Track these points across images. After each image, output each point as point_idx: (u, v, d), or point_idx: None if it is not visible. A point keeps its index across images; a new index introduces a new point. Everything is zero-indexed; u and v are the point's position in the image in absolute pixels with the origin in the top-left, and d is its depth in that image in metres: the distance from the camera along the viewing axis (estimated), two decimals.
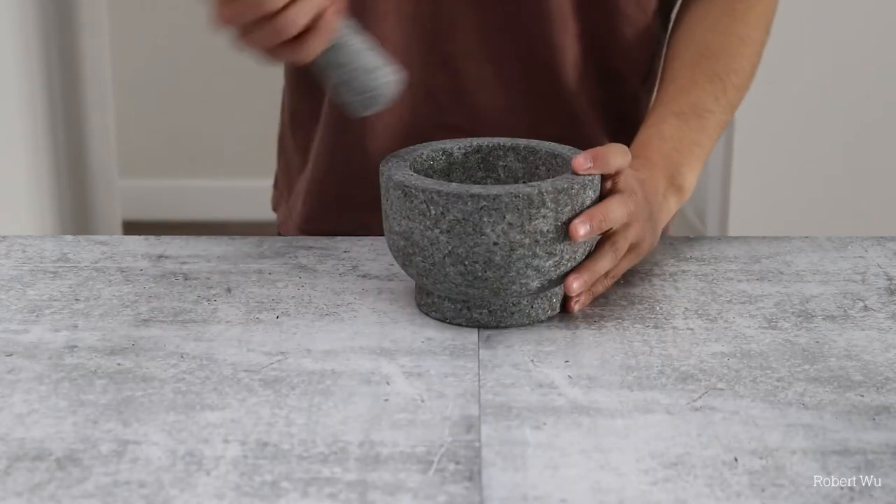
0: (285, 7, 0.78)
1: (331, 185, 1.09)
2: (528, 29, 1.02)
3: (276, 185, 1.23)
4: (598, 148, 0.84)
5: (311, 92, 1.09)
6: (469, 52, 1.02)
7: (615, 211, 0.85)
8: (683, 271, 0.96)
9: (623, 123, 1.09)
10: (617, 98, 1.09)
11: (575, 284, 0.85)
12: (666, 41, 1.09)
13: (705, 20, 1.04)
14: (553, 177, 0.86)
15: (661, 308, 0.89)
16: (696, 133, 0.99)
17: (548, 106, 1.04)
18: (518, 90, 1.04)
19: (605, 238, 0.88)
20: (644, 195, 0.90)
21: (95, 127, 2.41)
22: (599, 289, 0.88)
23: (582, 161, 0.82)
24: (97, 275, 0.95)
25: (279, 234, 1.23)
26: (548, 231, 0.81)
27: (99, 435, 0.70)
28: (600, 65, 1.06)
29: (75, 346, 0.82)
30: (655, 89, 1.05)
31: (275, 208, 1.23)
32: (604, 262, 0.87)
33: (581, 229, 0.81)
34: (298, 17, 0.79)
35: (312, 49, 0.81)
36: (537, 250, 0.81)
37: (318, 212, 1.11)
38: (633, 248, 0.90)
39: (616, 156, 0.84)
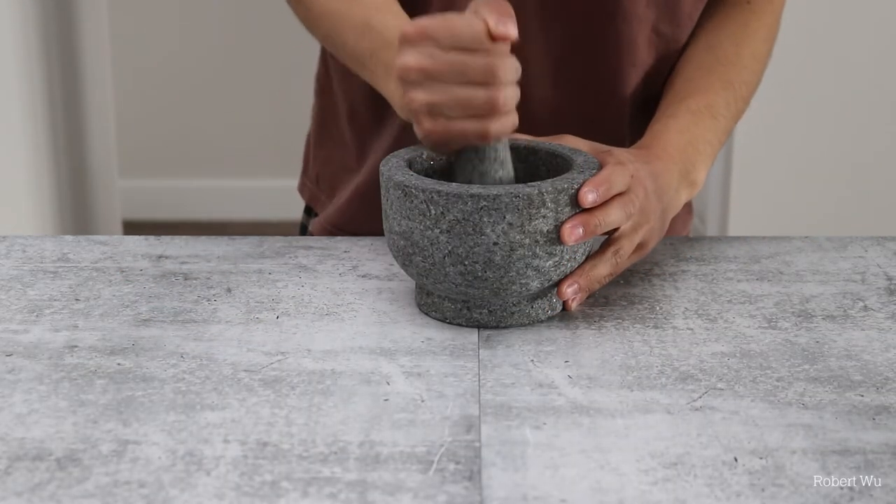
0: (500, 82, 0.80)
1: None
2: (600, 60, 1.03)
3: (305, 172, 1.23)
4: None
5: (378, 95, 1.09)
6: (539, 75, 1.02)
7: (613, 214, 0.84)
8: (683, 271, 0.96)
9: None
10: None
11: (568, 291, 0.85)
12: None
13: (721, 31, 1.06)
14: (553, 177, 0.86)
15: (661, 308, 0.89)
16: (710, 132, 0.99)
17: (598, 129, 1.05)
18: (574, 113, 1.04)
19: (609, 241, 0.87)
20: (656, 189, 0.90)
21: (95, 127, 2.41)
22: (596, 285, 0.88)
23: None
24: (97, 275, 0.95)
25: (303, 226, 1.23)
26: (548, 231, 0.81)
27: (99, 435, 0.70)
28: (652, 93, 1.07)
29: (75, 346, 0.82)
30: (666, 85, 1.05)
31: (301, 190, 1.22)
32: (603, 269, 0.87)
33: (573, 234, 0.81)
34: (511, 93, 0.81)
35: (506, 128, 0.83)
36: (537, 250, 0.81)
37: (366, 211, 1.11)
38: (639, 247, 0.89)
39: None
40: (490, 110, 0.81)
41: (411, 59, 0.81)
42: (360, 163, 1.12)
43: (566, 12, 1.00)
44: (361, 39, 0.95)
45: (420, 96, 0.81)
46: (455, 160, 0.86)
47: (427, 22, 0.81)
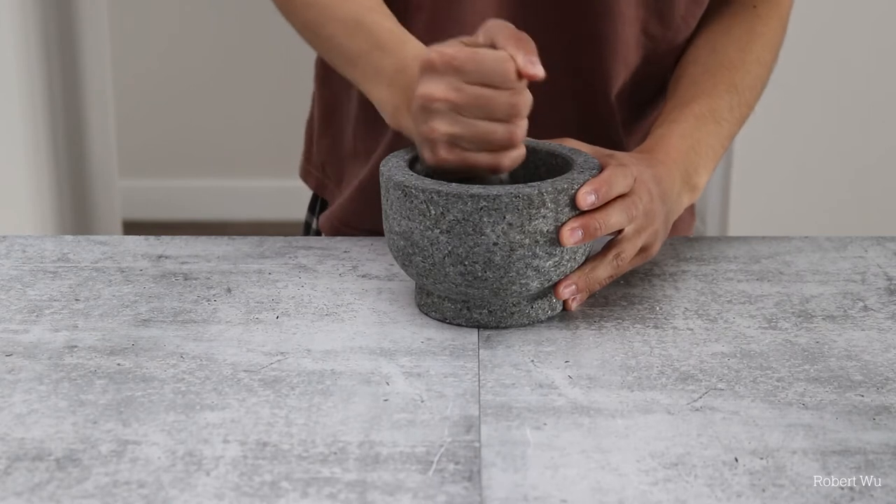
0: (515, 116, 0.81)
1: None
2: (589, 58, 1.03)
3: (308, 159, 1.22)
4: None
5: None
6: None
7: (614, 216, 0.84)
8: (683, 271, 0.96)
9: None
10: (645, 122, 1.10)
11: (565, 291, 0.85)
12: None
13: (727, 34, 1.06)
14: (553, 177, 0.86)
15: (661, 308, 0.89)
16: (712, 137, 0.99)
17: (590, 129, 1.05)
18: (566, 112, 1.04)
19: (611, 243, 0.87)
20: (660, 192, 0.90)
21: (95, 127, 2.41)
22: (596, 287, 0.88)
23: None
24: (97, 275, 0.95)
25: (307, 224, 1.22)
26: (548, 231, 0.80)
27: (99, 435, 0.70)
28: (642, 94, 1.07)
29: (75, 346, 0.82)
30: (669, 88, 1.05)
31: (304, 176, 1.22)
32: (603, 271, 0.87)
33: (573, 236, 0.81)
34: (525, 127, 0.83)
35: (516, 161, 0.84)
36: (537, 250, 0.81)
37: (372, 207, 1.11)
38: (642, 250, 0.89)
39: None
40: (507, 145, 0.82)
41: (436, 88, 0.81)
42: (364, 155, 1.12)
43: (555, 10, 1.00)
44: (351, 38, 0.95)
45: (442, 127, 0.82)
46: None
47: (453, 52, 0.81)
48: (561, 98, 1.03)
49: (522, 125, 0.82)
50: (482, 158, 0.83)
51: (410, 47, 0.90)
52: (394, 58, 0.91)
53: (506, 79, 0.80)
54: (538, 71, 0.80)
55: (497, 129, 0.81)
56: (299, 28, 1.03)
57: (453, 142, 0.83)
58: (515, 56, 0.80)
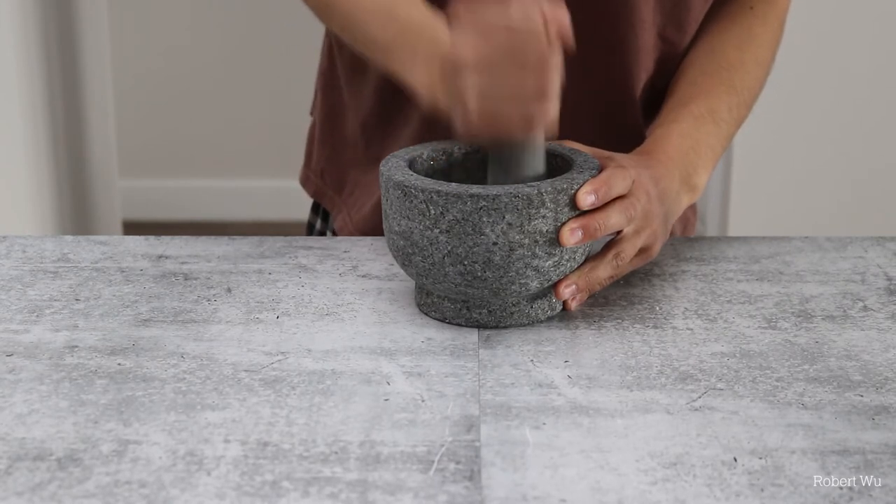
0: (546, 73, 0.80)
1: None
2: (612, 64, 1.03)
3: (308, 164, 1.21)
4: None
5: (390, 106, 1.08)
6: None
7: (613, 217, 0.84)
8: (683, 271, 0.96)
9: None
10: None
11: (566, 291, 0.85)
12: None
13: (725, 35, 1.06)
14: (553, 177, 0.86)
15: (661, 308, 0.89)
16: (712, 137, 0.99)
17: (615, 131, 1.04)
18: (589, 115, 1.04)
19: (610, 244, 0.87)
20: (658, 193, 0.90)
21: (95, 127, 2.41)
22: (597, 287, 0.88)
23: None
24: (97, 275, 0.95)
25: (310, 225, 1.22)
26: (547, 231, 0.81)
27: (99, 435, 0.70)
28: (658, 94, 1.07)
29: (76, 346, 0.82)
30: (669, 88, 1.05)
31: (303, 182, 1.21)
32: (603, 271, 0.87)
33: (572, 236, 0.81)
34: (558, 80, 0.81)
35: (549, 115, 0.82)
36: (536, 250, 0.81)
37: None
38: (642, 251, 0.89)
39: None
40: (538, 97, 0.80)
41: (464, 40, 0.80)
42: (377, 164, 1.12)
43: (579, 16, 1.00)
44: (384, 28, 0.94)
45: (471, 78, 0.80)
46: (496, 152, 0.85)
47: (479, 2, 0.80)
48: (587, 103, 1.03)
49: (555, 76, 0.80)
50: (515, 111, 0.81)
51: (442, 24, 0.90)
52: (426, 36, 0.89)
53: (532, 26, 0.78)
54: (562, 17, 0.79)
55: (527, 79, 0.79)
56: (337, 30, 1.02)
57: (483, 94, 0.80)
58: (542, 4, 0.78)
